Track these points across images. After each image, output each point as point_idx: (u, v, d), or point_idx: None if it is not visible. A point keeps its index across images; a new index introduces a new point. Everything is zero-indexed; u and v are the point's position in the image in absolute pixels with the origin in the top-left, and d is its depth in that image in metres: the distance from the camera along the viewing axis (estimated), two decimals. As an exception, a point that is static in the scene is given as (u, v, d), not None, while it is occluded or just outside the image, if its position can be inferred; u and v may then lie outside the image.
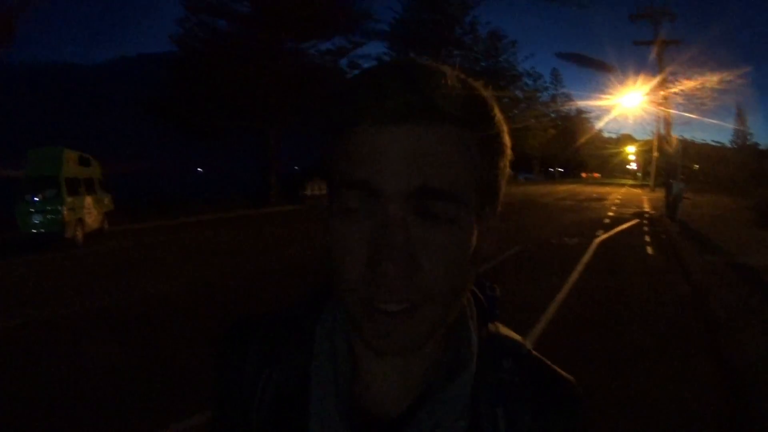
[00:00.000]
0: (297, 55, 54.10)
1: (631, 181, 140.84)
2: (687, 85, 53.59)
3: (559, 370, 1.20)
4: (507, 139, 1.09)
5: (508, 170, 1.11)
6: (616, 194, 75.28)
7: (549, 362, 1.20)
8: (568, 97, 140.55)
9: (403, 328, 0.97)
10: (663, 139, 45.18)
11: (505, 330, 1.24)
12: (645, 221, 36.21)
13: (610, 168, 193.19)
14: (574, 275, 17.34)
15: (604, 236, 27.76)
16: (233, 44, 48.74)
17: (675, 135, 44.16)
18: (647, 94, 49.51)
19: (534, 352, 1.21)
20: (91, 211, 27.90)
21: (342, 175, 0.99)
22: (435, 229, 0.96)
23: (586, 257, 21.07)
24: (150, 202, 46.00)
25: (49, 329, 11.84)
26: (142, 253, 23.55)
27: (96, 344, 10.83)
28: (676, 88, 50.41)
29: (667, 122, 44.09)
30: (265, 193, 52.63)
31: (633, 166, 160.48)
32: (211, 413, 1.28)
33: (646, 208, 48.20)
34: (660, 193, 47.19)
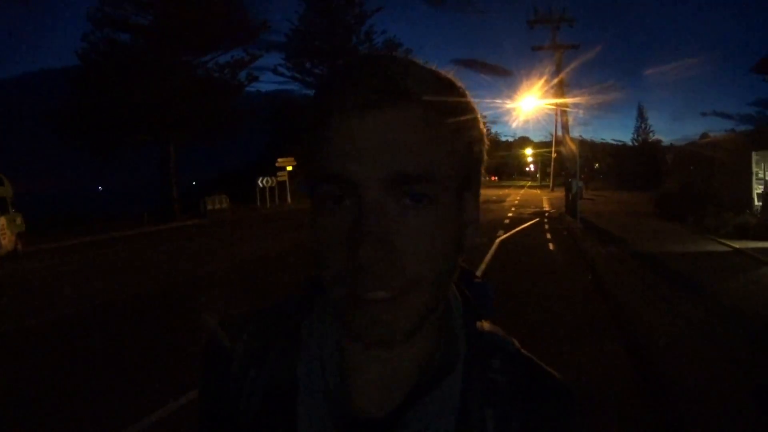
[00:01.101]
0: (195, 68, 54.32)
1: (529, 183, 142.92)
2: (586, 87, 54.85)
3: (548, 368, 1.20)
4: (482, 126, 1.12)
5: (485, 157, 1.15)
6: (515, 196, 76.29)
7: (538, 361, 1.21)
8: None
9: (389, 317, 0.97)
10: (561, 141, 46.08)
11: (492, 327, 1.23)
12: (545, 220, 37.36)
13: (508, 171, 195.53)
14: (478, 272, 17.30)
15: (505, 236, 28.43)
16: (133, 58, 48.61)
17: (572, 136, 45.08)
18: (544, 96, 50.33)
19: (522, 351, 1.21)
20: (5, 232, 27.78)
21: (319, 169, 1.01)
22: (414, 213, 0.97)
23: (488, 256, 21.70)
24: (57, 221, 45.77)
25: None
26: (60, 273, 23.40)
27: (20, 361, 11.16)
28: (575, 91, 51.50)
29: (564, 124, 44.95)
30: (169, 208, 52.42)
31: (531, 167, 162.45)
32: (197, 414, 1.28)
33: (546, 207, 49.48)
34: (559, 193, 48.27)
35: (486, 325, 1.20)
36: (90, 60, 50.42)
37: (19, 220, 29.94)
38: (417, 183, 0.95)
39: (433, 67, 1.05)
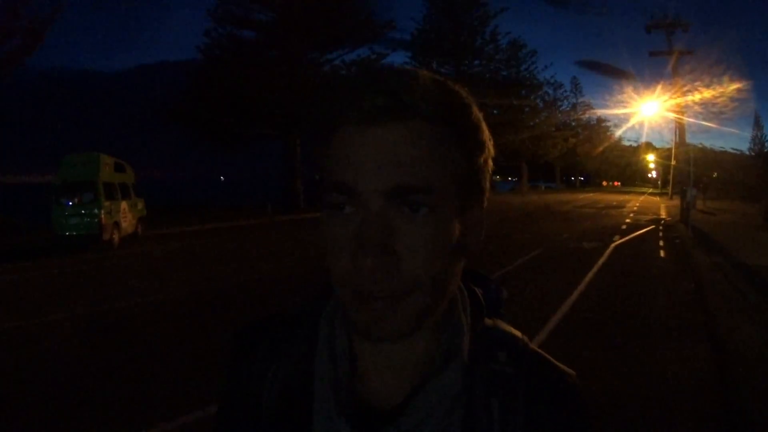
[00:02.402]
0: (321, 66, 54.78)
1: (650, 190, 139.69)
2: (703, 93, 54.28)
3: (556, 362, 1.21)
4: (486, 136, 1.14)
5: (490, 165, 1.17)
6: (635, 202, 75.68)
7: (548, 356, 1.22)
8: (588, 106, 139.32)
9: (391, 315, 1.02)
10: (681, 148, 45.68)
11: (504, 326, 1.25)
12: (661, 227, 36.83)
13: (631, 176, 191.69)
14: (590, 275, 18.33)
15: (620, 241, 28.58)
16: (258, 54, 49.63)
17: (690, 143, 44.86)
18: (664, 102, 49.90)
19: (532, 346, 1.22)
20: (126, 216, 28.88)
21: (327, 177, 1.06)
22: (414, 221, 1.01)
23: (601, 259, 21.99)
24: (179, 209, 47.01)
25: (98, 322, 13.13)
26: (174, 257, 24.76)
27: (144, 334, 12.07)
28: (692, 97, 51.06)
29: (682, 131, 44.73)
30: (294, 200, 53.34)
31: (653, 174, 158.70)
32: (218, 409, 1.34)
33: (663, 215, 48.71)
34: (677, 201, 47.76)
35: (496, 323, 1.25)
36: (212, 55, 51.70)
37: (140, 206, 31.17)
38: (416, 194, 1.00)
39: (436, 77, 1.10)
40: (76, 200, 26.31)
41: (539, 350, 1.22)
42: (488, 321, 1.24)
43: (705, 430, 7.54)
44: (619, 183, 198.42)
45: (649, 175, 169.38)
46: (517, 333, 1.23)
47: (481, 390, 1.12)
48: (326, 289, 1.27)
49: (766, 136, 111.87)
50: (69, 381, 9.27)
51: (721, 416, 7.91)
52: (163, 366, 9.94)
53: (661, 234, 32.84)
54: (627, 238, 30.29)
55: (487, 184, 1.18)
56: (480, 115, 1.14)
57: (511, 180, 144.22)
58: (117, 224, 27.68)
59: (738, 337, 11.25)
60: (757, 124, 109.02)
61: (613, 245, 26.71)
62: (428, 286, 1.04)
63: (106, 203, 26.65)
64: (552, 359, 1.22)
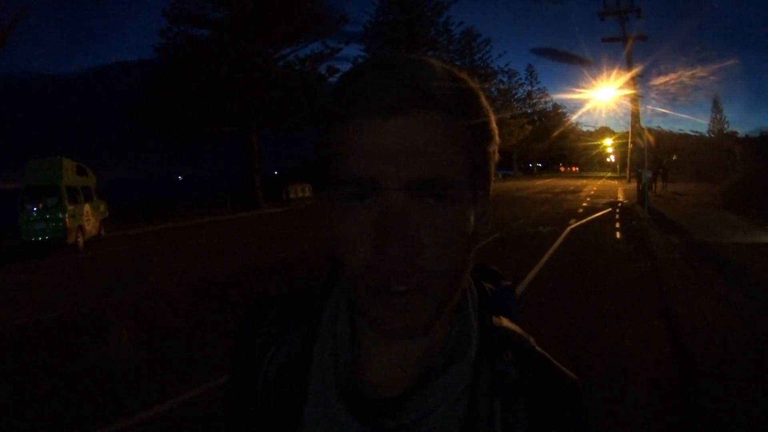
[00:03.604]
0: (276, 61, 54.91)
1: (609, 174, 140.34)
2: (659, 79, 54.73)
3: (561, 367, 1.20)
4: (494, 126, 1.14)
5: (497, 156, 1.18)
6: (593, 186, 75.99)
7: (553, 360, 1.21)
8: (544, 93, 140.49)
9: (412, 308, 1.00)
10: (636, 132, 46.07)
11: (511, 325, 1.24)
12: (617, 210, 37.33)
13: (589, 161, 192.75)
14: (545, 258, 18.67)
15: (576, 224, 28.98)
16: (213, 52, 49.31)
17: (645, 127, 45.17)
18: (619, 88, 50.29)
19: (538, 349, 1.21)
20: (89, 218, 29.05)
21: (342, 169, 1.02)
22: (435, 212, 1.00)
23: (557, 243, 22.35)
24: (140, 209, 46.86)
25: (61, 325, 13.18)
26: (138, 257, 24.69)
27: (111, 336, 12.00)
28: (647, 82, 51.47)
29: (636, 116, 45.06)
30: (252, 197, 53.30)
31: (611, 158, 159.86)
32: (226, 385, 1.36)
33: (620, 198, 49.19)
34: (635, 184, 48.28)
35: (504, 322, 1.24)
36: (168, 54, 51.57)
37: (102, 207, 31.35)
38: (438, 185, 0.99)
39: (447, 67, 1.09)
40: (40, 205, 26.49)
41: (545, 353, 1.22)
42: (495, 319, 1.23)
43: (660, 401, 7.81)
44: (577, 168, 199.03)
45: (608, 160, 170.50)
46: (524, 334, 1.23)
47: (485, 389, 1.12)
48: (332, 276, 1.28)
49: (725, 118, 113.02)
50: (37, 383, 9.43)
51: (675, 387, 8.22)
52: (133, 362, 10.06)
53: (617, 216, 33.30)
54: (583, 221, 30.72)
55: (493, 174, 1.18)
56: (488, 104, 1.13)
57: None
58: (81, 227, 27.90)
59: (691, 311, 11.47)
60: (717, 107, 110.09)
61: (569, 228, 27.10)
62: (447, 278, 1.03)
63: (70, 207, 26.90)
64: (557, 363, 1.21)
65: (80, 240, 27.53)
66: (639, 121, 44.30)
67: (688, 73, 55.49)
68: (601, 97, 61.17)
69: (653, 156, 41.89)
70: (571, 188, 71.27)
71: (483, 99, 1.12)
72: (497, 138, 1.16)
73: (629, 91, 45.88)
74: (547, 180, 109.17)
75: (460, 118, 1.04)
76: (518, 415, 1.10)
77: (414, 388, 1.10)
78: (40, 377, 9.58)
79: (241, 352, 1.30)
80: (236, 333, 1.34)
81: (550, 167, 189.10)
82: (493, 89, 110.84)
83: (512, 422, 1.10)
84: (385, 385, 1.14)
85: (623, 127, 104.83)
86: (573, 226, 28.24)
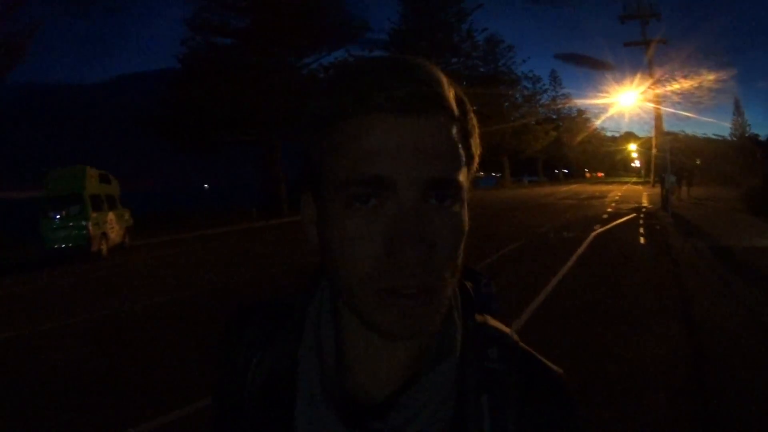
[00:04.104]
0: (299, 69, 55.07)
1: (634, 179, 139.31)
2: (681, 83, 54.57)
3: (546, 361, 1.20)
4: (476, 127, 1.14)
5: (478, 155, 1.16)
6: (617, 192, 75.48)
7: (536, 354, 1.21)
8: (568, 98, 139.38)
9: (422, 310, 0.99)
10: (659, 136, 45.84)
11: (493, 322, 1.24)
12: (641, 215, 37.01)
13: (614, 166, 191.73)
14: (569, 263, 18.63)
15: (601, 230, 28.84)
16: (235, 60, 49.58)
17: (670, 131, 45.11)
18: (642, 92, 50.17)
19: (521, 344, 1.21)
20: (113, 226, 29.13)
21: (347, 170, 1.00)
22: (444, 213, 1.00)
23: (581, 248, 22.26)
24: (165, 217, 47.13)
25: (90, 330, 13.36)
26: (162, 265, 24.74)
27: (137, 339, 12.39)
28: (669, 87, 51.33)
29: (659, 119, 45.01)
30: (277, 205, 53.17)
31: (636, 163, 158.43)
32: (212, 395, 1.35)
33: (645, 203, 48.84)
34: (659, 189, 47.90)
35: (487, 319, 1.24)
36: (190, 63, 51.84)
37: (126, 216, 31.49)
38: (448, 186, 1.00)
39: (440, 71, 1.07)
40: (63, 213, 26.50)
41: (528, 348, 1.22)
42: (478, 317, 1.23)
43: (677, 406, 7.74)
44: (602, 174, 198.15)
45: (633, 165, 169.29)
46: (507, 330, 1.23)
47: (472, 387, 1.12)
48: (313, 281, 1.28)
49: (746, 121, 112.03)
50: (64, 386, 9.56)
51: (695, 393, 8.12)
52: (157, 366, 10.21)
53: (641, 221, 33.04)
54: (608, 226, 30.54)
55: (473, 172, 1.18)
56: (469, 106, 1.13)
57: (495, 175, 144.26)
58: (105, 235, 27.94)
59: (713, 317, 11.52)
60: (738, 110, 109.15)
61: (593, 234, 26.94)
62: (452, 278, 1.05)
63: (93, 215, 26.92)
64: (541, 357, 1.21)
65: (104, 248, 27.64)
66: (662, 126, 44.28)
67: (710, 77, 55.35)
68: (624, 102, 61.25)
69: (677, 161, 41.69)
70: (596, 194, 70.90)
71: (469, 104, 1.11)
72: (477, 138, 1.15)
73: (651, 95, 45.81)
74: (573, 186, 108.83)
75: (459, 121, 1.05)
76: (507, 410, 1.11)
77: (401, 390, 1.11)
78: (28, 389, 9.66)
79: (225, 363, 1.31)
80: (219, 344, 1.34)
81: (575, 173, 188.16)
82: (517, 95, 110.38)
83: (501, 417, 1.10)
84: (372, 387, 1.15)
85: (647, 132, 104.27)
86: (597, 231, 28.14)
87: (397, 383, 1.13)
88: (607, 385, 8.34)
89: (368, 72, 1.02)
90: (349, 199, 0.99)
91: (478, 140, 1.13)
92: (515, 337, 1.21)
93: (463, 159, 1.04)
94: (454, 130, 1.03)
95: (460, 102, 1.06)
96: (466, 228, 1.06)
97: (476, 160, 1.14)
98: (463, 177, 1.04)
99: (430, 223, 0.98)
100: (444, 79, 1.03)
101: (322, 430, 1.09)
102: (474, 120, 1.11)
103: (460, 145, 1.04)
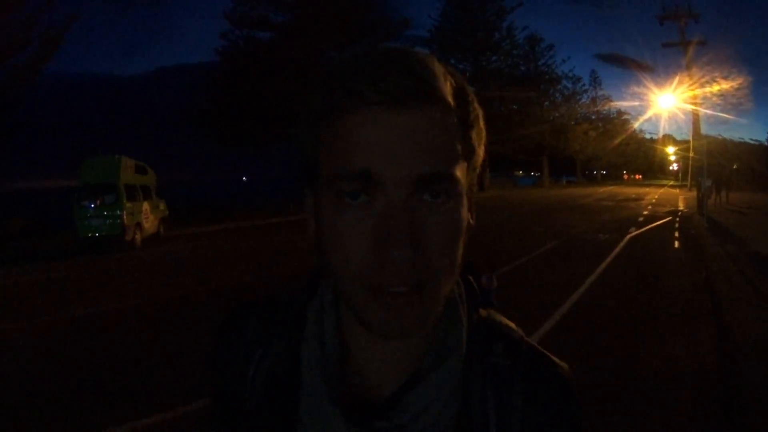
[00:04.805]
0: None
1: (671, 182, 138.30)
2: (720, 84, 54.27)
3: (551, 356, 1.18)
4: (482, 122, 1.11)
5: (483, 151, 1.13)
6: (654, 194, 75.30)
7: (542, 349, 1.19)
8: (608, 99, 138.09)
9: (411, 309, 0.97)
10: (697, 139, 45.64)
11: (498, 317, 1.23)
12: (677, 219, 36.89)
13: (652, 169, 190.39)
14: (603, 265, 18.63)
15: (636, 232, 28.75)
16: (275, 54, 49.86)
17: (708, 135, 44.91)
18: (680, 94, 49.91)
19: (527, 338, 1.20)
20: (148, 216, 29.37)
21: (337, 165, 0.99)
22: (435, 209, 0.98)
23: (616, 250, 22.25)
24: (202, 209, 47.31)
25: (121, 318, 13.59)
26: (194, 256, 25.03)
27: (168, 330, 12.53)
28: (709, 88, 51.10)
29: (696, 123, 44.83)
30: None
31: (674, 166, 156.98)
32: (210, 401, 1.33)
33: (681, 206, 48.55)
34: (696, 193, 47.67)
35: (491, 314, 1.23)
36: (230, 57, 52.15)
37: (162, 206, 31.67)
38: (441, 182, 0.97)
39: (443, 64, 1.05)
40: (97, 202, 26.77)
41: (534, 343, 1.20)
42: (482, 311, 1.22)
43: (704, 413, 7.76)
44: (640, 176, 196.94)
45: (670, 168, 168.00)
46: (512, 325, 1.23)
47: (478, 383, 1.11)
48: (313, 279, 1.28)
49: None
50: (95, 371, 9.75)
51: (721, 401, 8.14)
52: (187, 357, 10.28)
53: (677, 225, 32.90)
54: (643, 229, 30.46)
55: (479, 167, 1.17)
56: (476, 100, 1.11)
57: (533, 175, 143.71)
58: (139, 225, 28.17)
59: (743, 324, 11.52)
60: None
61: (628, 237, 26.88)
62: (446, 277, 1.02)
63: (128, 204, 27.13)
64: (546, 352, 1.20)
65: (138, 237, 27.86)
66: (699, 129, 44.06)
67: (748, 79, 54.95)
68: (663, 104, 60.65)
69: (715, 164, 41.53)
70: (633, 196, 70.69)
71: (474, 97, 1.09)
72: (484, 134, 1.13)
73: (689, 97, 45.63)
74: (610, 187, 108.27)
75: (457, 114, 1.02)
76: (512, 406, 1.10)
77: (406, 387, 1.09)
78: (69, 373, 9.80)
79: (223, 364, 1.29)
80: (215, 344, 1.33)
81: (613, 174, 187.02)
82: (557, 95, 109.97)
83: (507, 413, 1.10)
84: (376, 385, 1.14)
85: (685, 134, 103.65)
86: (633, 234, 28.05)
87: (400, 380, 1.12)
88: (634, 387, 8.40)
89: (359, 66, 1.01)
90: (339, 194, 0.99)
91: (482, 132, 1.11)
92: (520, 331, 1.21)
93: (460, 152, 1.02)
94: (450, 123, 1.01)
95: (459, 92, 1.05)
96: (464, 225, 1.04)
97: (479, 152, 1.11)
98: (460, 171, 1.02)
99: (420, 220, 0.97)
100: (438, 70, 1.01)
101: (327, 428, 1.09)
102: (477, 111, 1.09)
103: (456, 138, 1.02)
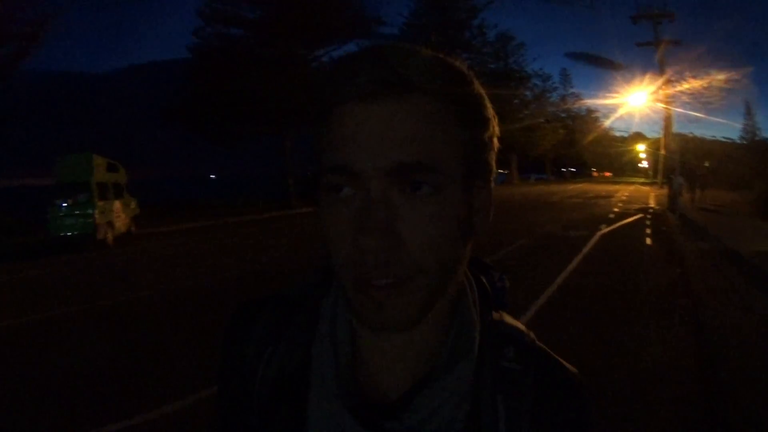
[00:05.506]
0: (310, 62, 55.16)
1: (641, 179, 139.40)
2: (692, 83, 54.48)
3: (561, 360, 1.19)
4: (490, 113, 1.11)
5: (496, 144, 1.15)
6: (624, 192, 75.61)
7: (552, 353, 1.20)
8: (578, 97, 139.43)
9: (394, 302, 0.98)
10: (669, 137, 45.88)
11: (509, 319, 1.23)
12: (648, 216, 37.00)
13: (622, 166, 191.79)
14: (574, 262, 18.60)
15: (607, 229, 28.77)
16: (247, 52, 49.87)
17: (679, 133, 45.15)
18: (652, 93, 50.16)
19: (538, 342, 1.20)
20: (119, 215, 29.31)
21: (325, 159, 1.02)
22: (416, 201, 0.98)
23: (587, 247, 22.20)
24: (172, 207, 47.54)
25: (93, 317, 13.37)
26: (166, 255, 24.78)
27: (141, 327, 12.37)
28: (680, 87, 51.24)
29: (668, 121, 44.98)
30: (285, 197, 53.57)
31: (644, 164, 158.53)
32: (216, 391, 1.31)
33: (652, 204, 48.92)
34: (667, 190, 47.90)
35: (503, 316, 1.22)
36: (202, 53, 52.08)
37: (133, 205, 31.68)
38: (418, 173, 0.97)
39: (437, 54, 1.07)
40: (70, 201, 26.69)
41: (544, 347, 1.21)
42: (495, 314, 1.22)
43: (683, 409, 7.72)
44: (610, 173, 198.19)
45: (640, 165, 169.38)
46: (523, 328, 1.22)
47: (488, 387, 1.10)
48: (327, 273, 1.26)
49: (757, 125, 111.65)
50: (69, 372, 9.59)
51: (699, 396, 8.11)
52: (163, 355, 10.28)
53: (648, 222, 33.01)
54: (614, 226, 30.50)
55: (494, 164, 1.16)
56: (482, 92, 1.10)
57: (502, 172, 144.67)
58: (110, 224, 28.15)
59: (721, 321, 11.51)
60: (749, 113, 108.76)
61: (599, 234, 26.94)
62: (434, 271, 1.01)
63: (100, 203, 27.17)
64: (557, 357, 1.20)
65: (109, 236, 27.76)
66: (671, 126, 44.22)
67: (721, 78, 55.29)
68: (634, 102, 61.19)
69: (686, 162, 41.62)
70: (603, 193, 70.97)
71: (476, 86, 1.09)
72: (495, 127, 1.14)
73: (661, 96, 45.78)
74: (580, 185, 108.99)
75: (446, 103, 1.02)
76: (522, 411, 1.09)
77: (418, 388, 1.08)
78: (40, 376, 9.64)
79: (233, 358, 1.27)
80: (225, 339, 1.30)
81: (583, 172, 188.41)
82: (527, 93, 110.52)
83: (516, 419, 1.09)
84: (387, 385, 1.12)
85: (656, 132, 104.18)
86: (604, 231, 28.10)
87: (411, 381, 1.11)
88: (611, 388, 8.21)
89: (342, 63, 1.02)
90: (327, 188, 1.01)
91: (484, 117, 1.09)
92: (532, 335, 1.20)
93: (452, 141, 1.01)
94: (435, 111, 0.99)
95: (453, 79, 1.03)
96: (455, 220, 1.02)
97: (482, 139, 1.09)
98: (451, 161, 1.00)
99: (401, 212, 0.97)
100: (422, 60, 1.01)
101: (336, 428, 1.08)
102: (477, 96, 1.07)
103: (447, 126, 1.01)
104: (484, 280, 1.26)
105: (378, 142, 0.96)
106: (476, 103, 1.08)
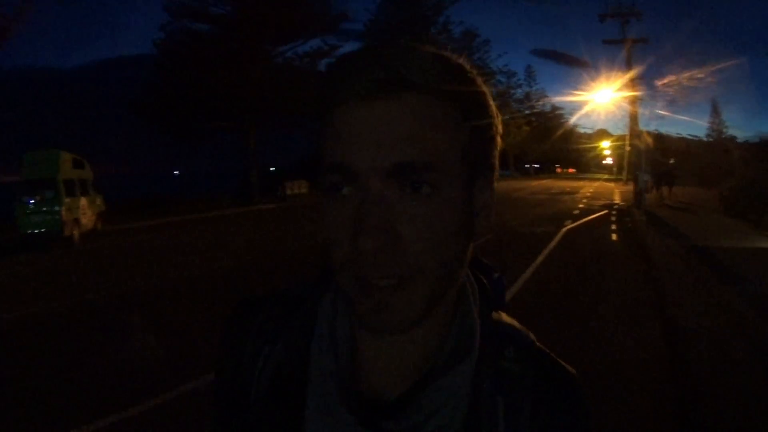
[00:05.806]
0: (275, 58, 55.24)
1: (606, 176, 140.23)
2: (658, 81, 54.73)
3: (561, 362, 1.19)
4: (492, 111, 1.11)
5: (498, 143, 1.15)
6: (589, 188, 75.95)
7: (552, 354, 1.20)
8: (543, 94, 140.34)
9: (395, 303, 0.98)
10: (635, 134, 46.09)
11: (509, 319, 1.23)
12: (613, 212, 37.21)
13: (586, 163, 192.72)
14: (540, 258, 18.62)
15: (572, 225, 28.87)
16: (211, 47, 49.65)
17: (645, 129, 45.26)
18: (618, 90, 50.33)
19: (538, 344, 1.20)
20: (86, 212, 29.00)
21: (325, 158, 1.01)
22: (416, 201, 0.97)
23: (552, 243, 22.31)
24: (138, 203, 47.08)
25: (53, 320, 13.03)
26: (133, 251, 24.52)
27: (109, 325, 12.22)
28: (646, 85, 51.44)
29: (634, 118, 45.14)
30: (248, 193, 53.49)
31: (609, 161, 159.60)
32: (213, 390, 1.30)
33: (617, 200, 49.29)
34: (632, 186, 48.20)
35: (502, 317, 1.22)
36: (167, 49, 51.78)
37: (99, 201, 31.31)
38: (417, 172, 0.96)
39: (441, 52, 1.06)
40: (37, 198, 26.52)
41: (544, 348, 1.20)
42: (495, 314, 1.21)
43: (653, 403, 7.81)
44: (574, 170, 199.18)
45: (605, 162, 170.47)
46: (523, 328, 1.21)
47: (488, 387, 1.10)
48: (327, 272, 1.23)
49: (724, 123, 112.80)
50: (34, 372, 9.53)
51: (669, 390, 8.21)
52: (132, 353, 10.11)
53: (613, 218, 33.18)
54: (579, 222, 30.59)
55: (497, 163, 1.16)
56: (485, 89, 1.10)
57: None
58: (77, 221, 27.87)
59: (690, 316, 11.46)
60: (716, 111, 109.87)
61: (564, 229, 27.04)
62: (435, 271, 1.00)
63: (67, 200, 26.89)
64: (557, 358, 1.20)
65: (76, 233, 27.49)
66: (637, 124, 44.38)
67: (687, 76, 55.63)
68: (600, 100, 61.33)
69: (652, 159, 41.74)
70: (568, 189, 71.06)
71: (479, 85, 1.07)
72: (498, 126, 1.12)
73: (628, 93, 45.95)
74: (544, 181, 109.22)
75: (447, 102, 1.00)
76: (521, 412, 1.08)
77: (417, 388, 1.08)
78: (29, 373, 9.53)
79: (230, 355, 1.25)
80: (223, 336, 1.29)
81: (547, 168, 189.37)
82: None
83: (516, 418, 1.08)
84: (386, 385, 1.11)
85: (621, 129, 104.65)
86: (569, 227, 28.16)
87: (410, 381, 1.10)
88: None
89: (343, 63, 1.01)
90: (326, 187, 1.01)
91: (489, 115, 1.10)
92: (532, 336, 1.20)
93: (454, 141, 1.01)
94: (435, 110, 0.99)
95: (454, 76, 1.02)
96: (456, 221, 1.02)
97: (486, 136, 1.10)
98: (449, 160, 1.00)
99: (399, 212, 0.96)
100: (422, 58, 0.99)
101: (335, 427, 1.07)
102: (480, 94, 1.08)
103: (446, 126, 1.00)
104: (485, 280, 1.25)
105: (377, 142, 0.95)
106: (478, 101, 1.07)
